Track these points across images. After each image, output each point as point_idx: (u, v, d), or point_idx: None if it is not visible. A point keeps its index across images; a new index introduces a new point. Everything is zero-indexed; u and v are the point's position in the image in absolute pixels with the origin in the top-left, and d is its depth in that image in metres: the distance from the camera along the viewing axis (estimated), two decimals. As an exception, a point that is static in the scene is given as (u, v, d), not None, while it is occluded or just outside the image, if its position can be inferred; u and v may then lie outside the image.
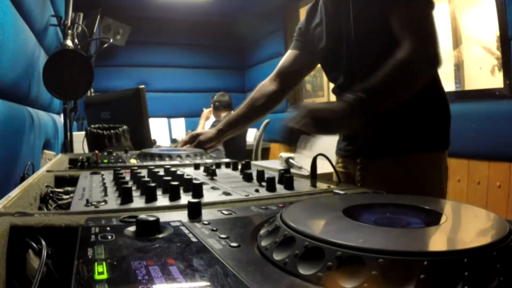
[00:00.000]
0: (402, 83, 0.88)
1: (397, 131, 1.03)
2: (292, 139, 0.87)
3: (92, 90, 2.94)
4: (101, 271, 0.30)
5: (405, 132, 1.02)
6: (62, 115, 2.30)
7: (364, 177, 1.08)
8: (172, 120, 5.05)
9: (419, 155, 1.02)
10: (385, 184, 1.02)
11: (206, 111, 4.34)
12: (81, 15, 2.14)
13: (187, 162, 1.09)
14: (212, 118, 4.15)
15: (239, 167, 0.95)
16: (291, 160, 2.41)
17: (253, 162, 1.08)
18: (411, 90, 0.90)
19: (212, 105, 4.09)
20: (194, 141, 1.33)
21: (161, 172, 0.81)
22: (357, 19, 1.00)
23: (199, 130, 4.11)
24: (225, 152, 3.36)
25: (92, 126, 1.51)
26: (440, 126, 1.06)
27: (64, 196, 0.71)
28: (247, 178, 0.79)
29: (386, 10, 0.93)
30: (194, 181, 0.65)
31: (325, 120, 0.85)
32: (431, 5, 0.92)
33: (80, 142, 1.78)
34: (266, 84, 1.29)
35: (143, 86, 1.81)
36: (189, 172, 0.89)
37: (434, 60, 0.89)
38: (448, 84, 2.51)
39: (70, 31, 1.89)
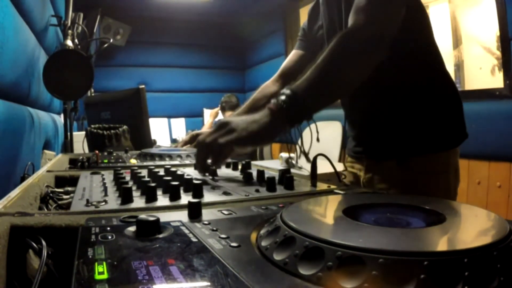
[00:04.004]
0: (335, 72, 0.78)
1: (401, 133, 1.00)
2: (203, 162, 0.80)
3: (92, 90, 2.93)
4: (101, 271, 0.30)
5: (409, 134, 0.99)
6: (62, 115, 2.30)
7: (370, 179, 1.07)
8: (172, 120, 5.05)
9: (424, 157, 0.97)
10: (390, 187, 1.01)
11: (214, 110, 4.40)
12: (81, 15, 2.14)
13: (187, 162, 1.09)
14: (221, 116, 4.23)
15: (239, 167, 0.95)
16: (291, 160, 2.42)
17: (253, 162, 1.08)
18: (346, 79, 0.80)
19: (219, 105, 4.15)
20: (194, 141, 1.33)
21: (161, 172, 0.81)
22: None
23: (205, 128, 4.19)
24: None
25: (92, 126, 1.51)
26: (447, 124, 1.00)
27: (64, 196, 0.71)
28: (247, 178, 0.79)
29: None
30: (194, 181, 0.65)
31: (244, 133, 0.74)
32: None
33: (80, 142, 1.78)
34: (269, 85, 1.29)
35: (143, 86, 1.81)
36: (189, 172, 0.89)
37: (374, 43, 0.79)
38: (448, 84, 2.51)
39: (70, 31, 1.89)
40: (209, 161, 0.81)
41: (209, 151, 0.78)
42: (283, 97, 0.74)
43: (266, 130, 0.74)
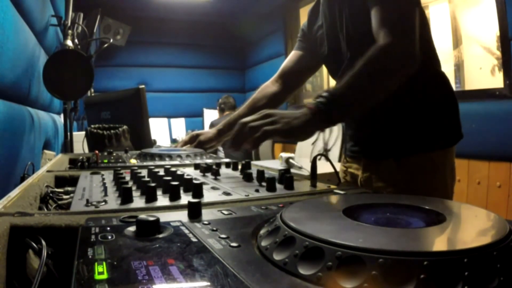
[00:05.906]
0: (372, 84, 0.83)
1: (399, 132, 1.01)
2: (241, 141, 0.84)
3: (92, 90, 2.94)
4: (101, 271, 0.30)
5: (406, 133, 1.00)
6: (62, 115, 2.30)
7: (367, 178, 1.07)
8: (172, 120, 5.06)
9: (421, 156, 0.98)
10: (387, 186, 1.01)
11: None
12: (81, 15, 2.14)
13: (187, 162, 1.09)
14: (217, 116, 4.26)
15: (239, 167, 0.95)
16: (291, 160, 2.42)
17: (253, 162, 1.08)
18: (382, 90, 0.85)
19: (217, 107, 4.16)
20: (194, 141, 1.33)
21: (161, 172, 0.81)
22: (353, 22, 0.98)
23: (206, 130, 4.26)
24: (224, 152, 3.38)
25: (92, 126, 1.51)
26: (443, 123, 1.01)
27: (64, 196, 0.71)
28: (247, 178, 0.79)
29: (370, 7, 0.89)
30: (194, 181, 0.65)
31: (286, 126, 0.80)
32: (414, 2, 0.89)
33: (80, 142, 1.78)
34: (269, 85, 1.29)
35: (143, 86, 1.81)
36: (189, 172, 0.89)
37: (409, 59, 0.84)
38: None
39: (70, 31, 1.89)
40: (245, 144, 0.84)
41: (252, 134, 0.82)
42: (322, 99, 0.80)
43: (305, 127, 0.80)
